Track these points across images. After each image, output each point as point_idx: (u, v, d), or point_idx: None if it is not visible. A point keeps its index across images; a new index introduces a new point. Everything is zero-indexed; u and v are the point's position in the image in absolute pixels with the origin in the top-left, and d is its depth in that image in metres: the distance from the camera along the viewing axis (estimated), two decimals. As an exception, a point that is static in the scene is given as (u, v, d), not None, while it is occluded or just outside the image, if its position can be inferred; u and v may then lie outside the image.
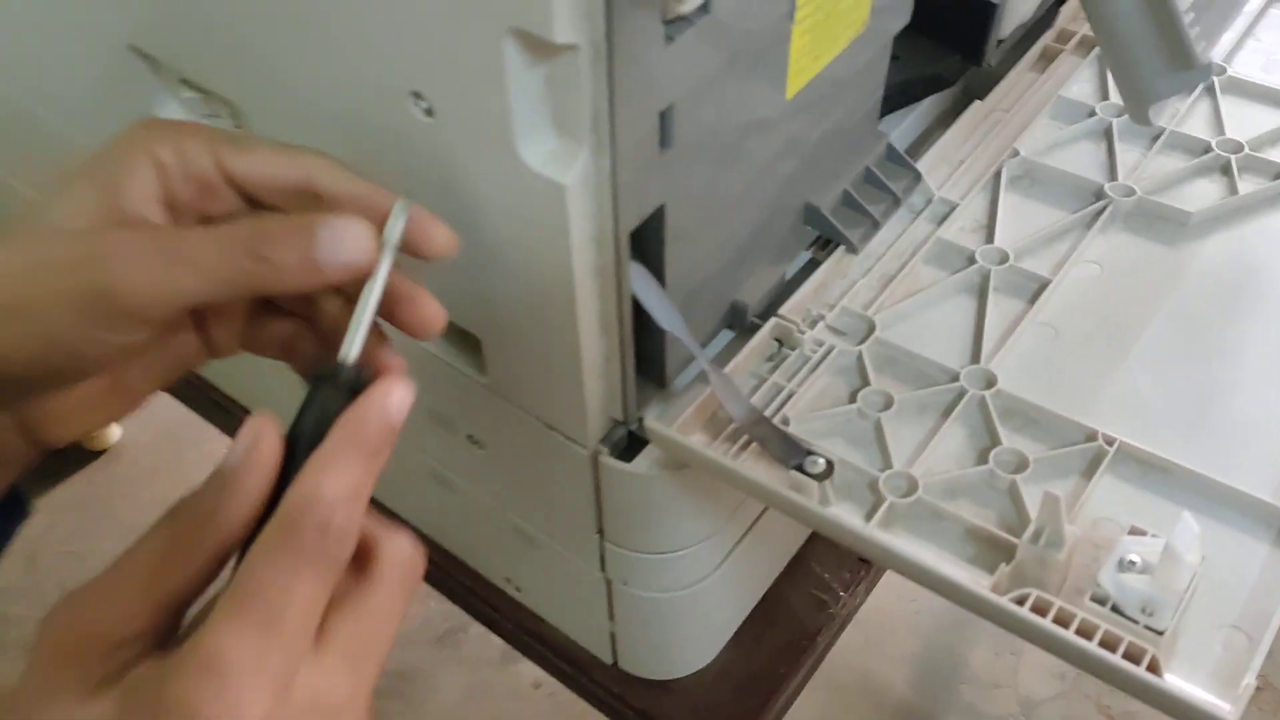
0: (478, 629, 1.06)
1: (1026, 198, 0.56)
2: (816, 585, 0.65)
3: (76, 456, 1.11)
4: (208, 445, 1.12)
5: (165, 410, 1.12)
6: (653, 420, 0.46)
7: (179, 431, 1.13)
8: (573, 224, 0.37)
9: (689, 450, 0.44)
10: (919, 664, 0.96)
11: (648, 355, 0.46)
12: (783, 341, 0.50)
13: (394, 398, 0.31)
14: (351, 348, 0.33)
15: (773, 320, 0.49)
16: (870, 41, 0.48)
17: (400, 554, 0.32)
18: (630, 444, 0.48)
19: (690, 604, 0.55)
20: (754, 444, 0.45)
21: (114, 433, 1.13)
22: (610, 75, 0.34)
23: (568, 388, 0.44)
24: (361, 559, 0.31)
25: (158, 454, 1.12)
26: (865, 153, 0.53)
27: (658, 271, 0.43)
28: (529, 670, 0.96)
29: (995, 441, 0.45)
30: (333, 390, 0.32)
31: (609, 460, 0.47)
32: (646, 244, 0.42)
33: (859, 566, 0.65)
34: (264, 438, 0.30)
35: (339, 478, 0.30)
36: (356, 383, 0.32)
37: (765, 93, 0.43)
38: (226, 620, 0.28)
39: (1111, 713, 0.92)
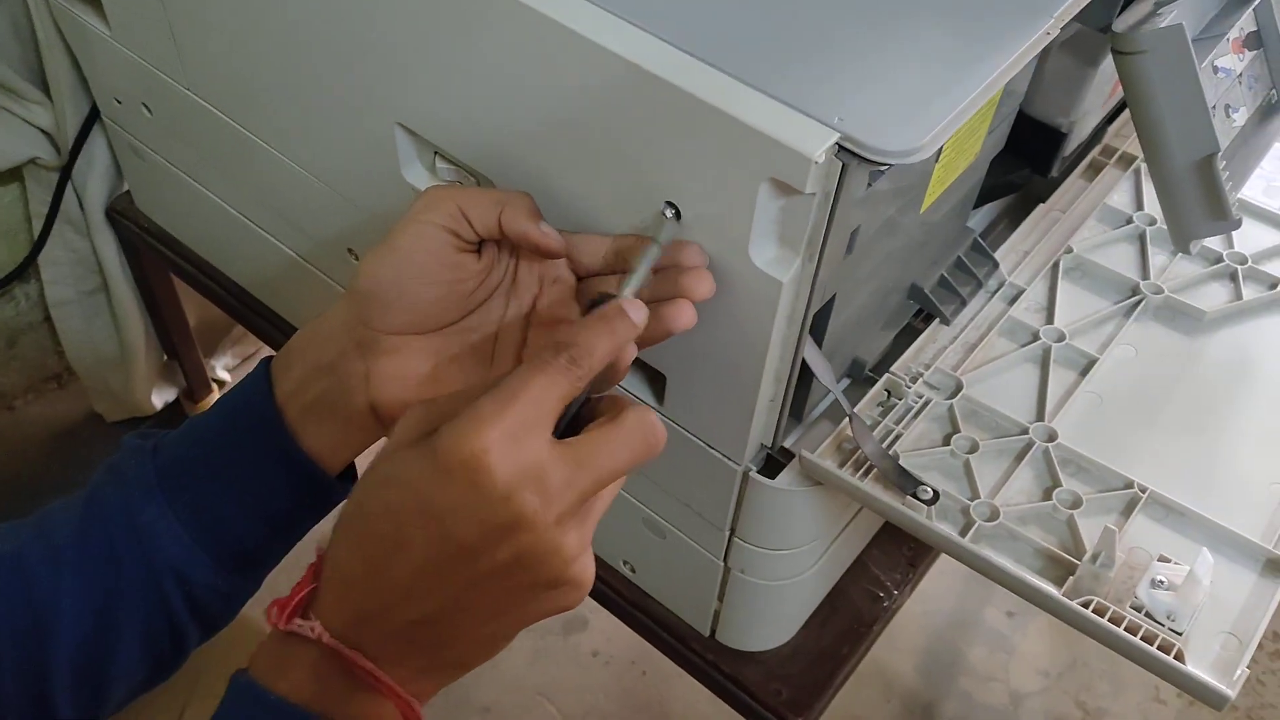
0: (543, 601, 1.19)
1: (1078, 286, 0.70)
2: (873, 583, 0.79)
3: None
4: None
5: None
6: (800, 448, 0.60)
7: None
8: (780, 308, 0.51)
9: (833, 475, 0.58)
10: (925, 656, 1.11)
11: (794, 396, 0.60)
12: (891, 392, 0.64)
13: (635, 309, 0.45)
14: (625, 289, 0.46)
15: (886, 376, 0.63)
16: (977, 164, 0.62)
17: (641, 417, 0.43)
18: (767, 462, 0.62)
19: (789, 591, 0.69)
20: (875, 471, 0.59)
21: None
22: (831, 211, 0.48)
23: (737, 421, 0.58)
24: (616, 415, 0.43)
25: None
26: (958, 245, 0.67)
27: (819, 339, 0.57)
28: (588, 640, 1.09)
29: (1056, 483, 0.59)
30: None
31: (758, 476, 0.60)
32: (817, 320, 0.55)
33: (908, 570, 0.80)
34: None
35: (585, 332, 0.43)
36: None
37: (909, 210, 0.57)
38: (493, 398, 0.40)
39: (1087, 708, 1.07)
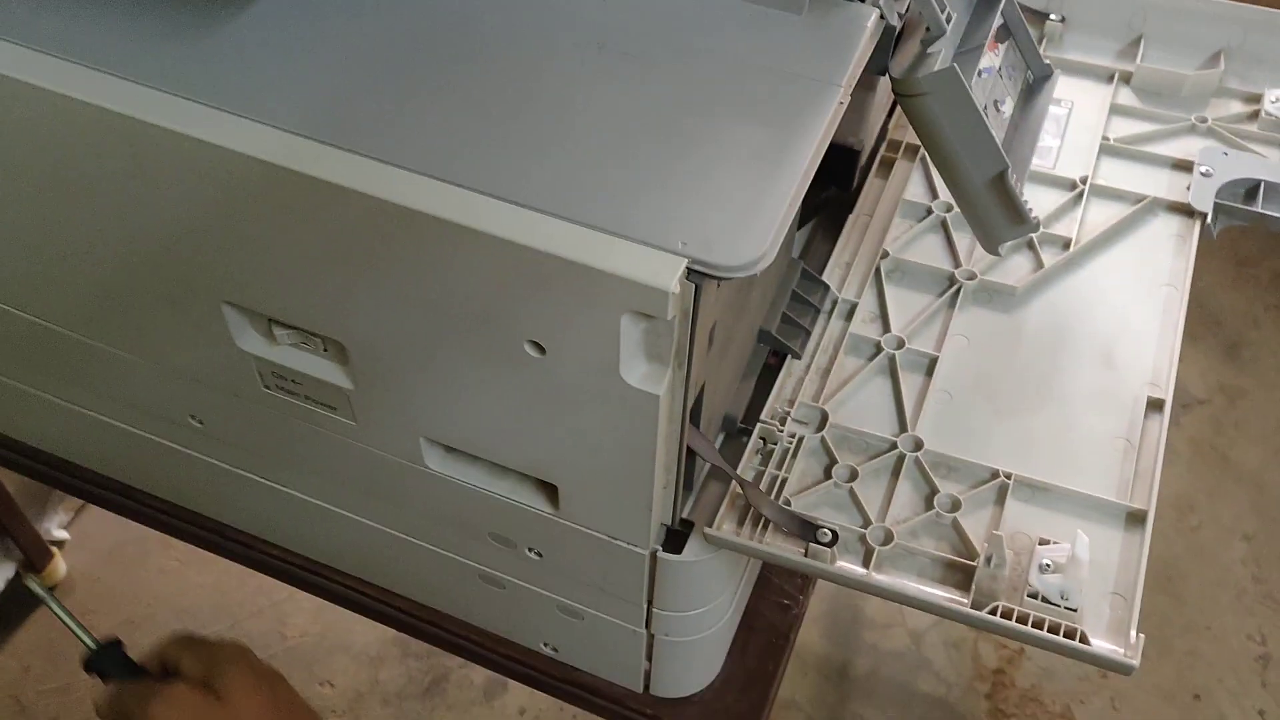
0: (458, 674, 1.19)
1: (902, 287, 0.75)
2: (778, 594, 0.83)
3: (29, 598, 1.16)
4: (153, 559, 1.18)
5: (105, 533, 1.18)
6: (699, 519, 0.62)
7: (123, 550, 1.19)
8: (660, 416, 0.53)
9: (737, 543, 0.61)
10: (827, 621, 1.17)
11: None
12: (766, 439, 0.67)
13: None
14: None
15: (758, 425, 0.66)
16: (792, 209, 0.65)
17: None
18: (670, 536, 0.64)
19: (711, 640, 0.72)
20: (772, 525, 0.62)
21: (60, 568, 1.17)
22: (693, 323, 0.50)
23: (636, 513, 0.60)
24: None
25: (110, 577, 1.18)
26: (790, 280, 0.71)
27: (696, 420, 0.59)
28: (513, 700, 1.10)
29: (934, 489, 0.63)
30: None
31: (665, 555, 0.63)
32: (692, 407, 0.57)
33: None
34: None
35: None
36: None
37: (752, 281, 0.60)
38: None
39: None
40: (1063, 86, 0.87)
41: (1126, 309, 0.73)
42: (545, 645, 0.79)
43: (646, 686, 0.77)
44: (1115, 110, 0.85)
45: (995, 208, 0.60)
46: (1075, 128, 0.84)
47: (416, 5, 0.56)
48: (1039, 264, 0.75)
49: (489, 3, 0.57)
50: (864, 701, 1.12)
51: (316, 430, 0.66)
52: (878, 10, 0.57)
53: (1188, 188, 0.78)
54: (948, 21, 0.59)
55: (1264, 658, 1.14)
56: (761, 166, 0.50)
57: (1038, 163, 0.82)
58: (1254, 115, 0.83)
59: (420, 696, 1.11)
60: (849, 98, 0.54)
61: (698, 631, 0.70)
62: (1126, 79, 0.87)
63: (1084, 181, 0.80)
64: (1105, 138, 0.82)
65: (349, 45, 0.55)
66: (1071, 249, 0.76)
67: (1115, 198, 0.79)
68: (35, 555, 1.14)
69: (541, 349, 0.52)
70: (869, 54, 0.56)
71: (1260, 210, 0.76)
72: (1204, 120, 0.83)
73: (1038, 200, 0.79)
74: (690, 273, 0.47)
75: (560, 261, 0.47)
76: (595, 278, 0.47)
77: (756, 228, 0.48)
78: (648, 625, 0.69)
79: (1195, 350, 1.39)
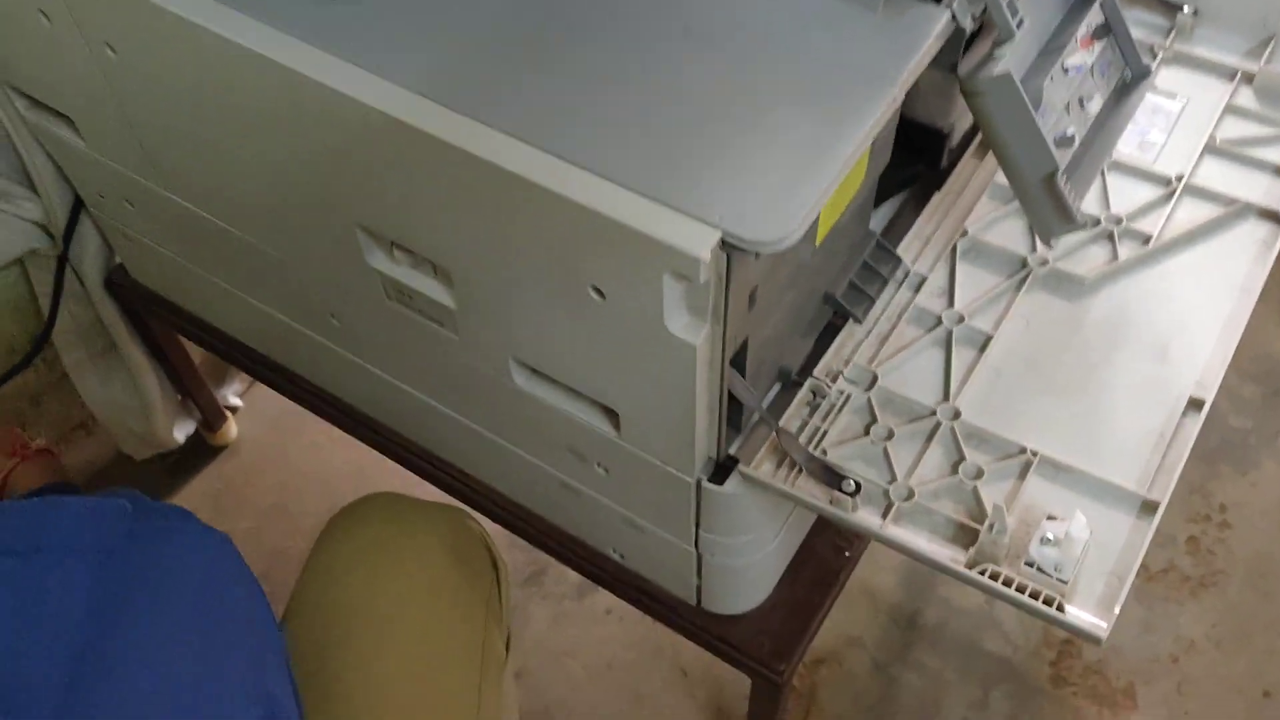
0: (556, 569, 1.31)
1: (974, 266, 0.79)
2: (836, 535, 0.90)
3: (206, 452, 1.34)
4: (307, 434, 1.34)
5: (271, 407, 1.35)
6: (741, 456, 0.70)
7: (284, 423, 1.36)
8: (699, 362, 0.60)
9: (767, 484, 0.68)
10: (905, 571, 1.22)
11: (730, 414, 0.70)
12: (815, 393, 0.73)
13: None
14: None
15: (809, 380, 0.73)
16: (866, 184, 0.71)
17: None
18: (717, 470, 0.72)
19: (756, 565, 0.80)
20: (805, 471, 0.69)
21: (231, 430, 1.35)
22: (726, 287, 0.57)
23: (682, 444, 0.68)
24: None
25: (270, 444, 1.35)
26: (862, 249, 0.76)
27: (741, 368, 0.66)
28: (601, 600, 1.21)
29: (961, 457, 0.69)
30: None
31: (709, 485, 0.71)
32: (737, 356, 0.65)
33: (865, 520, 0.90)
34: None
35: None
36: None
37: (804, 252, 0.66)
38: None
39: (1053, 597, 1.19)
40: (1182, 81, 0.88)
41: (1192, 309, 0.75)
42: (614, 552, 0.88)
43: (699, 601, 0.86)
44: (1230, 110, 0.85)
45: (1045, 204, 0.64)
46: (1185, 124, 0.85)
47: (533, -19, 0.64)
48: (1114, 256, 0.78)
49: (595, -17, 0.64)
50: (928, 650, 1.18)
51: (427, 340, 0.77)
52: (950, 12, 0.61)
53: (1284, 195, 0.79)
54: (1018, 26, 0.62)
55: (1345, 668, 1.13)
56: (805, 154, 0.56)
57: (1139, 156, 0.84)
58: (1375, 127, 0.82)
59: (521, 584, 1.23)
60: (903, 95, 0.59)
61: (741, 557, 0.78)
62: (1249, 79, 0.87)
63: (1179, 179, 0.81)
64: (1212, 137, 0.83)
65: (465, 17, 0.63)
66: (1150, 245, 0.78)
67: (1208, 199, 0.80)
68: (212, 418, 1.31)
69: (602, 294, 0.60)
70: (932, 55, 0.61)
71: (1352, 226, 0.76)
72: (1319, 128, 0.83)
73: (1128, 194, 0.82)
74: (723, 244, 0.54)
75: (614, 223, 0.55)
76: (642, 240, 0.54)
77: (787, 210, 0.54)
78: (696, 545, 0.78)
79: (1337, 353, 1.35)
